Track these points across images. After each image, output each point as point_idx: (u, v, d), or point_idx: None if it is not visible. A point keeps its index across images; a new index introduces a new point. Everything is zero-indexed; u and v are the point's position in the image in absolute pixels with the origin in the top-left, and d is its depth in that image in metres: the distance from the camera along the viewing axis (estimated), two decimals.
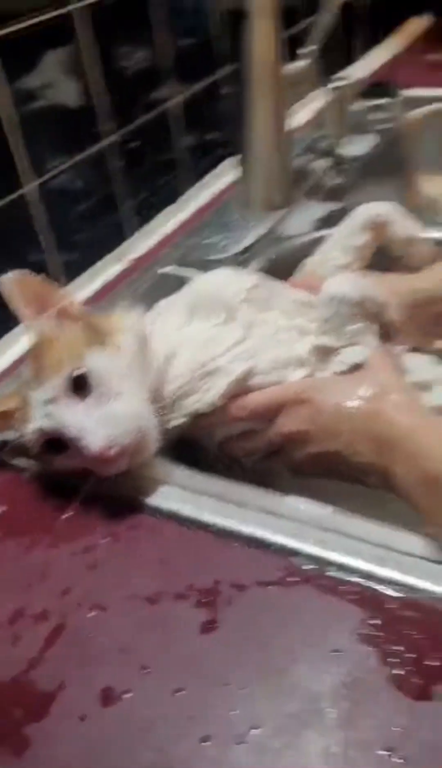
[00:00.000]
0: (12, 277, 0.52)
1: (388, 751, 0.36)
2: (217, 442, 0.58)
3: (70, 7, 0.69)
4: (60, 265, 0.76)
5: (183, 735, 0.38)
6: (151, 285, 0.77)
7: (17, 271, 0.52)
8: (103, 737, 0.39)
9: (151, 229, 0.88)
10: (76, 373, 0.49)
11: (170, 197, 0.91)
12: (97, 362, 0.50)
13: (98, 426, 0.47)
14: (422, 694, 0.38)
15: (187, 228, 0.88)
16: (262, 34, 0.75)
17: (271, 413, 0.54)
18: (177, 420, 0.55)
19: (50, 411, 0.49)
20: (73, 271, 0.77)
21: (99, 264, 0.81)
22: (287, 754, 0.37)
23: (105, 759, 0.38)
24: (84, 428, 0.47)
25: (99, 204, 0.80)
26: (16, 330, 0.70)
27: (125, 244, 0.84)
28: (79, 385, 0.49)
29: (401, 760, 0.36)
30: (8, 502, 0.54)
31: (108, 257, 0.82)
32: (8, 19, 0.64)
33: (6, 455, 0.55)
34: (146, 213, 0.87)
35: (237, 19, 0.74)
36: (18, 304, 0.52)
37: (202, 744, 0.38)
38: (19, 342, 0.69)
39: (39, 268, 0.71)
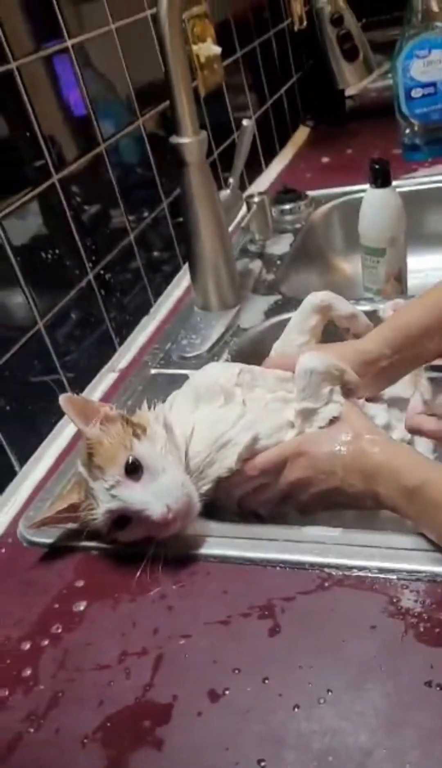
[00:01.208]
0: (64, 398, 0.67)
1: (428, 684, 0.50)
2: (237, 499, 0.72)
3: (52, 179, 0.87)
4: (70, 380, 0.91)
5: (277, 708, 0.51)
6: (145, 385, 0.92)
7: (65, 394, 0.67)
8: (220, 723, 0.51)
9: (132, 341, 1.04)
10: (130, 460, 0.63)
11: (142, 310, 1.08)
12: (141, 450, 0.64)
13: (156, 498, 0.61)
14: (441, 641, 0.53)
15: (159, 335, 1.05)
16: (199, 176, 0.94)
17: (277, 468, 0.69)
18: (205, 486, 0.69)
19: (115, 494, 0.62)
20: (78, 384, 0.92)
21: (97, 377, 0.96)
22: (357, 702, 0.50)
23: (225, 737, 0.50)
24: (145, 502, 0.61)
25: (90, 326, 0.96)
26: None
27: (115, 356, 1.00)
28: (132, 470, 0.63)
29: (439, 688, 0.50)
30: (86, 577, 0.66)
31: (103, 369, 0.97)
32: None
33: (77, 540, 0.68)
34: (126, 328, 1.04)
35: (179, 167, 0.94)
36: (72, 417, 0.66)
37: (294, 710, 0.51)
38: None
39: (59, 384, 0.86)
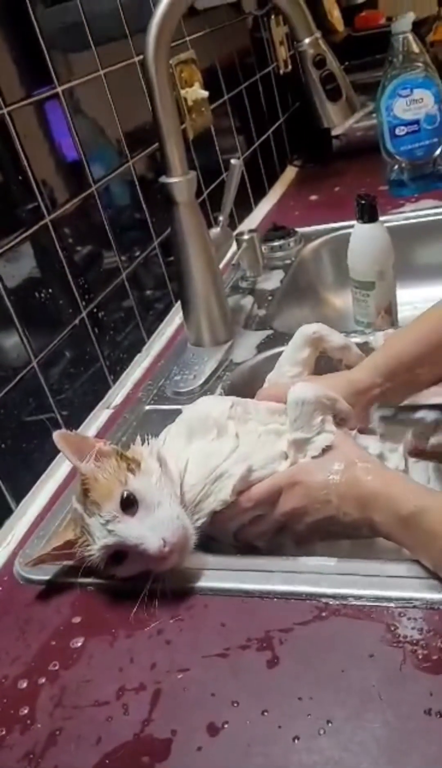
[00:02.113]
0: (58, 434, 0.67)
1: (428, 712, 0.50)
2: (233, 532, 0.72)
3: (45, 221, 0.89)
4: (64, 418, 0.91)
5: (277, 740, 0.51)
6: (139, 421, 0.93)
7: (59, 431, 0.68)
8: (220, 757, 0.51)
9: (126, 377, 1.05)
10: (125, 495, 0.63)
11: (135, 347, 1.09)
12: (136, 484, 0.65)
13: (152, 532, 0.61)
14: (440, 668, 0.52)
15: (153, 371, 1.06)
16: (189, 215, 0.96)
17: (272, 499, 0.70)
18: (201, 519, 0.69)
19: (111, 529, 0.62)
20: (73, 421, 0.93)
21: (91, 414, 0.97)
22: (357, 732, 0.50)
23: None
24: (142, 536, 0.61)
25: (84, 364, 0.96)
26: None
27: (109, 393, 1.00)
28: (127, 505, 0.63)
29: (439, 716, 0.49)
30: (83, 613, 0.66)
31: (98, 406, 0.98)
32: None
33: (74, 576, 0.68)
34: (120, 365, 1.05)
35: (169, 206, 0.96)
36: (66, 453, 0.67)
37: (294, 742, 0.50)
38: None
39: (54, 422, 0.87)
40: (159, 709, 0.55)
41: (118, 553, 0.64)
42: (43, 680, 0.60)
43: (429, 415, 0.65)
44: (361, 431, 0.78)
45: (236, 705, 0.54)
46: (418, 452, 0.69)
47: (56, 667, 0.61)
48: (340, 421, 0.74)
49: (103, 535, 0.63)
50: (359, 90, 1.46)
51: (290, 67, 1.85)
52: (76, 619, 0.66)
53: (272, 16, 1.76)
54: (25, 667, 0.62)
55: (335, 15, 2.09)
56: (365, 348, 0.87)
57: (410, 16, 1.29)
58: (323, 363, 0.87)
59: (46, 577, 0.70)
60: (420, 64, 1.33)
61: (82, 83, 0.99)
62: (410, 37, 1.31)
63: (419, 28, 1.66)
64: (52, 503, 0.82)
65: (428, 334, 0.75)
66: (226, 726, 0.53)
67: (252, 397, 0.81)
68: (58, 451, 0.77)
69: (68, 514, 0.74)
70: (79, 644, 0.63)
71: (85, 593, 0.68)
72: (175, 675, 0.58)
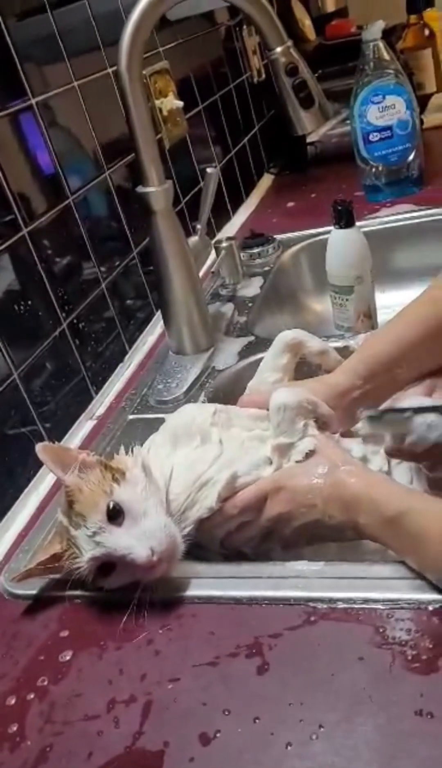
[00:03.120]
0: (41, 447, 0.67)
1: (419, 713, 0.50)
2: (220, 539, 0.72)
3: (22, 233, 0.89)
4: (47, 430, 0.91)
5: (270, 747, 0.50)
6: (123, 431, 0.93)
7: (42, 443, 0.67)
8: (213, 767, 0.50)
9: (108, 388, 1.04)
10: (110, 505, 0.63)
11: (117, 357, 1.09)
12: (122, 494, 0.64)
13: (139, 542, 0.61)
14: (429, 668, 0.52)
15: (135, 380, 1.05)
16: (166, 224, 0.97)
17: (258, 505, 0.69)
18: (187, 527, 0.69)
19: (98, 540, 0.62)
20: (56, 433, 0.92)
21: (74, 425, 0.96)
22: (349, 736, 0.50)
23: None
24: (129, 546, 0.61)
25: (66, 375, 0.96)
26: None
27: (92, 404, 1.00)
28: (113, 515, 0.63)
29: (430, 716, 0.50)
30: (71, 626, 0.65)
31: (81, 417, 0.97)
32: None
33: (61, 590, 0.67)
34: (102, 376, 1.04)
35: (146, 215, 0.96)
36: (49, 465, 0.66)
37: (287, 748, 0.50)
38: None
39: (37, 434, 0.86)
40: (150, 721, 0.55)
41: (106, 565, 0.63)
42: (31, 696, 0.59)
43: (417, 417, 0.65)
44: (343, 435, 0.78)
45: (227, 713, 0.54)
46: (395, 452, 0.69)
47: (45, 683, 0.60)
48: (322, 425, 0.74)
49: (90, 547, 0.62)
50: (332, 98, 1.48)
51: (263, 75, 1.86)
52: (64, 633, 0.65)
53: (245, 26, 1.77)
54: (13, 684, 0.61)
55: (307, 24, 2.11)
56: (346, 352, 0.88)
57: (380, 24, 1.31)
58: (306, 369, 0.87)
59: (33, 592, 0.70)
60: (391, 71, 1.34)
61: (57, 95, 0.99)
62: (381, 44, 1.32)
63: (389, 36, 1.68)
64: (36, 517, 0.82)
65: (403, 333, 0.75)
66: (218, 735, 0.52)
67: (235, 403, 0.81)
68: (41, 464, 0.76)
69: (54, 527, 0.74)
70: (68, 658, 0.62)
71: (72, 606, 0.67)
72: (165, 685, 0.57)
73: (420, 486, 0.74)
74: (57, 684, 0.60)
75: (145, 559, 0.60)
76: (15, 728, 0.57)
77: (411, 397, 0.73)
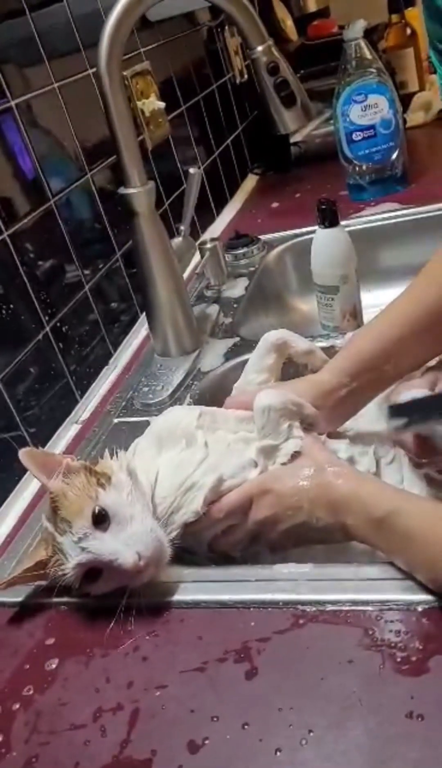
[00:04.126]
0: (24, 452, 0.66)
1: (409, 716, 0.49)
2: (207, 543, 0.71)
3: (3, 236, 0.88)
4: (31, 435, 0.89)
5: (259, 753, 0.50)
6: (109, 435, 0.92)
7: (25, 449, 0.66)
8: None
9: (93, 391, 1.03)
10: (96, 510, 0.62)
11: (102, 360, 1.08)
12: (107, 499, 0.63)
13: (126, 547, 0.60)
14: (419, 669, 0.52)
15: (120, 384, 1.04)
16: (149, 225, 0.96)
17: (244, 508, 0.69)
18: (174, 532, 0.68)
19: (84, 546, 0.61)
20: (40, 438, 0.91)
21: (59, 429, 0.95)
22: (340, 741, 0.49)
23: None
24: (115, 551, 0.60)
25: (50, 380, 0.95)
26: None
27: (76, 408, 0.99)
28: (99, 521, 0.62)
29: (420, 719, 0.49)
30: (57, 634, 0.64)
31: (65, 422, 0.96)
32: None
33: (47, 597, 0.66)
34: (87, 379, 1.03)
35: (129, 217, 0.95)
36: (33, 471, 0.65)
37: (276, 755, 0.49)
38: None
39: (21, 440, 0.85)
40: (137, 729, 0.54)
41: (93, 571, 0.62)
42: (17, 706, 0.58)
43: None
44: (330, 435, 0.78)
45: (215, 720, 0.53)
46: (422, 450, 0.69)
47: (30, 692, 0.59)
48: (308, 426, 0.73)
49: (76, 553, 0.61)
50: (315, 97, 1.48)
51: (246, 76, 1.86)
52: (50, 641, 0.64)
53: (226, 27, 1.76)
54: None
55: (289, 24, 2.11)
56: (332, 352, 0.87)
57: (362, 23, 1.31)
58: (293, 371, 0.86)
59: (18, 599, 0.69)
60: (373, 70, 1.34)
61: (37, 96, 0.98)
62: (362, 43, 1.32)
63: (371, 35, 1.68)
64: (21, 523, 0.81)
65: (389, 329, 0.74)
66: (206, 742, 0.51)
67: (221, 405, 0.80)
68: (25, 470, 0.75)
69: (39, 533, 0.73)
70: (54, 666, 0.61)
71: (58, 613, 0.66)
72: (152, 692, 0.56)
73: (411, 485, 0.73)
74: (43, 693, 0.59)
75: (132, 564, 0.59)
76: (0, 739, 0.56)
77: (414, 390, 0.73)
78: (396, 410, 0.68)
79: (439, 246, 0.76)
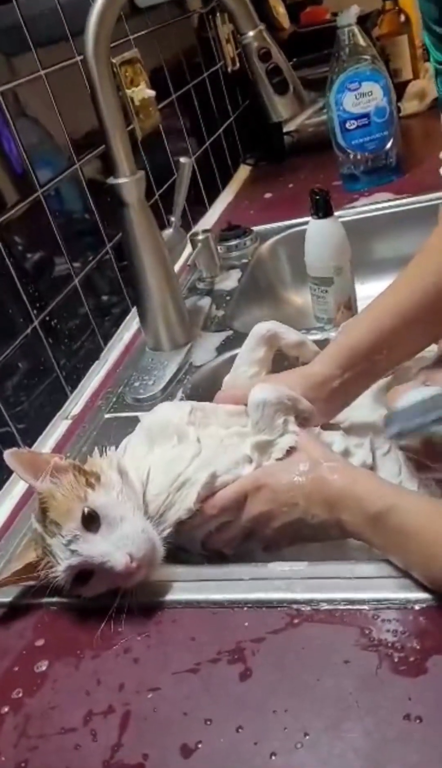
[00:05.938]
0: (9, 453, 0.64)
1: (407, 717, 0.48)
2: (200, 540, 0.70)
3: None
4: (21, 431, 0.88)
5: (254, 757, 0.49)
6: (100, 430, 0.90)
7: (10, 450, 0.65)
8: None
9: (84, 386, 1.02)
10: (85, 511, 0.60)
11: (92, 355, 1.06)
12: (97, 499, 0.62)
13: (117, 548, 0.59)
14: (417, 670, 0.51)
15: (111, 378, 1.03)
16: (139, 216, 0.94)
17: (238, 505, 0.67)
18: (167, 530, 0.66)
19: (74, 549, 0.59)
20: (30, 434, 0.90)
21: (49, 425, 0.94)
22: (336, 744, 0.48)
23: None
24: (106, 553, 0.58)
25: (39, 375, 0.93)
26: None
27: (67, 403, 0.97)
28: (89, 522, 0.60)
29: (419, 720, 0.48)
30: (47, 635, 0.63)
31: (55, 418, 0.95)
32: None
33: (37, 597, 0.65)
34: (77, 374, 1.02)
35: (118, 207, 0.93)
36: (20, 473, 0.64)
37: (271, 758, 0.48)
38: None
39: (10, 437, 0.84)
40: (129, 733, 0.53)
41: (84, 573, 0.61)
42: (6, 709, 0.57)
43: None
44: (324, 427, 0.76)
45: (209, 723, 0.52)
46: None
47: (20, 695, 0.58)
48: (303, 420, 0.72)
49: (66, 556, 0.60)
50: (308, 86, 1.45)
51: (237, 65, 1.83)
52: (40, 642, 0.63)
53: (217, 14, 1.74)
54: None
55: (281, 11, 2.07)
56: (325, 345, 0.86)
57: (355, 9, 1.29)
58: (287, 364, 0.85)
59: (7, 599, 0.67)
60: (367, 57, 1.32)
61: (23, 84, 0.96)
62: (356, 29, 1.30)
63: (365, 22, 1.66)
64: (9, 523, 0.79)
65: (380, 319, 0.73)
66: (199, 746, 0.50)
67: (214, 399, 0.79)
68: (12, 470, 0.73)
69: (28, 533, 0.71)
70: (44, 668, 0.60)
71: (48, 614, 0.65)
72: (144, 695, 0.55)
73: (408, 478, 0.72)
74: (32, 696, 0.58)
75: (123, 565, 0.58)
76: None
77: (411, 390, 0.71)
78: (392, 418, 0.66)
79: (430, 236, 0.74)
